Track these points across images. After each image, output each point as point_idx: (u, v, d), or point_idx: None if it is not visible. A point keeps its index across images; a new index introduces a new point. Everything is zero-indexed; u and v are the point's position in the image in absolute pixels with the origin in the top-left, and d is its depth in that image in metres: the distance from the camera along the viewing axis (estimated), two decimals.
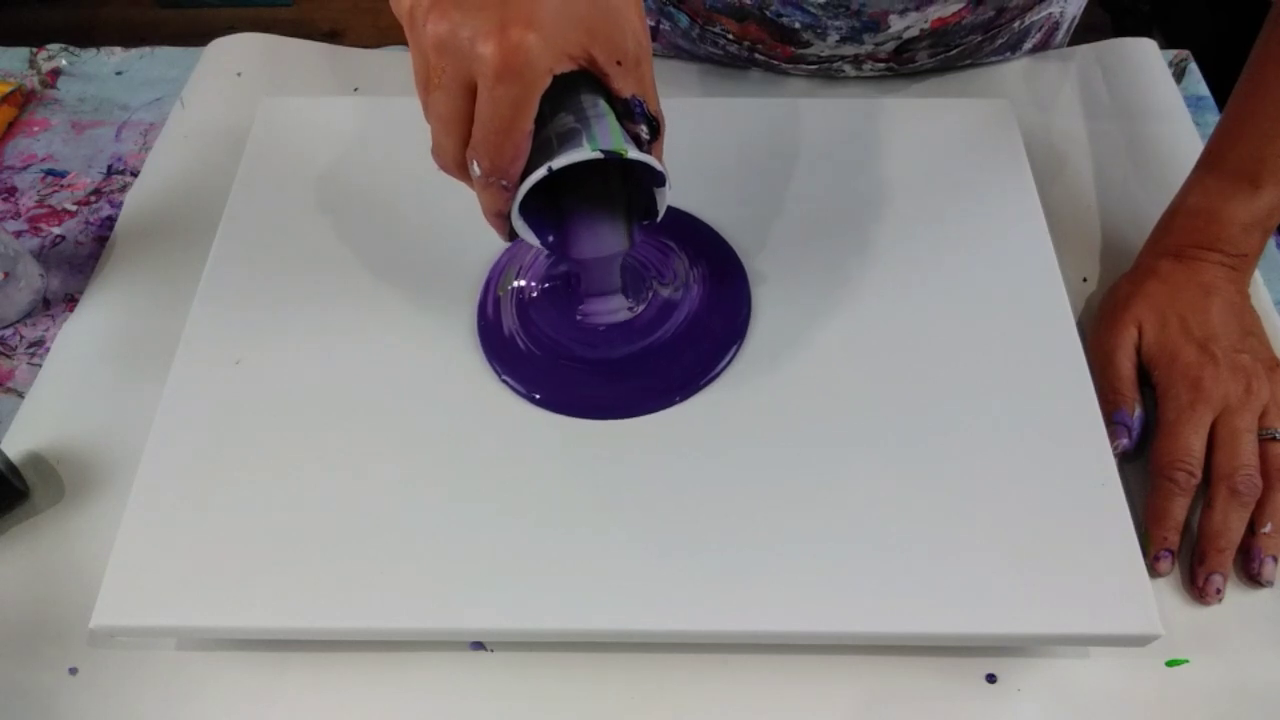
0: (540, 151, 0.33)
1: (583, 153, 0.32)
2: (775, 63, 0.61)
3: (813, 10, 0.55)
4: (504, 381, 0.43)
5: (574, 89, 0.33)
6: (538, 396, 0.42)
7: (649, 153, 0.34)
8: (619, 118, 0.34)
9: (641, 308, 0.45)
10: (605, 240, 0.39)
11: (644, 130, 0.34)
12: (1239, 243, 0.46)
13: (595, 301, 0.44)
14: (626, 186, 0.39)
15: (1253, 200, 0.46)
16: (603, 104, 0.33)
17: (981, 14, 0.57)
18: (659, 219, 0.37)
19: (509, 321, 0.45)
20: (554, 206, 0.39)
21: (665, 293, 0.45)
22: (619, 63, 0.32)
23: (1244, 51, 0.49)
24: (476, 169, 0.33)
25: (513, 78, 0.30)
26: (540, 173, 0.33)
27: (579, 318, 0.44)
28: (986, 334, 0.44)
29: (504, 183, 0.33)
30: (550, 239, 0.38)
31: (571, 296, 0.45)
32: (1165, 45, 0.64)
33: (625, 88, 0.33)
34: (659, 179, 0.35)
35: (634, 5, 0.32)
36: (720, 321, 0.44)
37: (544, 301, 0.45)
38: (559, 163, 0.32)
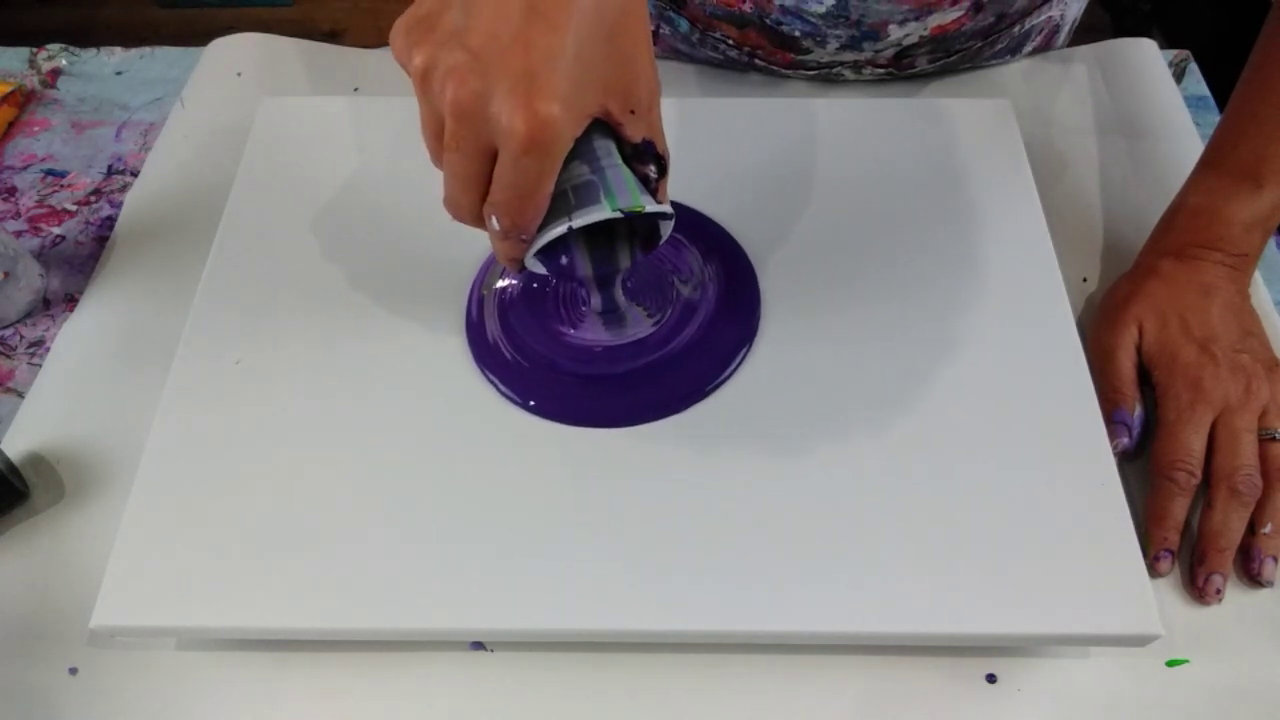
0: (556, 202, 0.33)
1: (602, 211, 0.33)
2: (775, 68, 0.61)
3: (812, 19, 0.55)
4: (495, 387, 0.43)
5: (585, 134, 0.33)
6: (532, 404, 0.42)
7: (656, 189, 0.35)
8: (629, 160, 0.34)
9: (666, 314, 0.44)
10: (607, 258, 0.39)
11: (653, 170, 0.35)
12: (1240, 242, 0.46)
13: (611, 331, 0.44)
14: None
15: (1254, 199, 0.46)
16: (615, 151, 0.34)
17: (981, 20, 0.57)
18: (661, 242, 0.38)
19: (492, 326, 0.44)
20: None
21: (686, 291, 0.45)
22: (632, 111, 0.33)
23: (1244, 51, 0.49)
24: (496, 225, 0.33)
25: (539, 151, 0.30)
26: (559, 230, 0.33)
27: (569, 337, 0.44)
28: (986, 334, 0.43)
29: (523, 237, 0.33)
30: (563, 261, 0.38)
31: (554, 304, 0.45)
32: (1165, 45, 0.64)
33: (637, 134, 0.34)
34: (665, 214, 0.35)
35: (646, 51, 0.32)
36: (732, 327, 0.44)
37: (523, 308, 0.45)
38: (579, 222, 0.33)
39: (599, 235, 0.38)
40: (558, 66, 0.29)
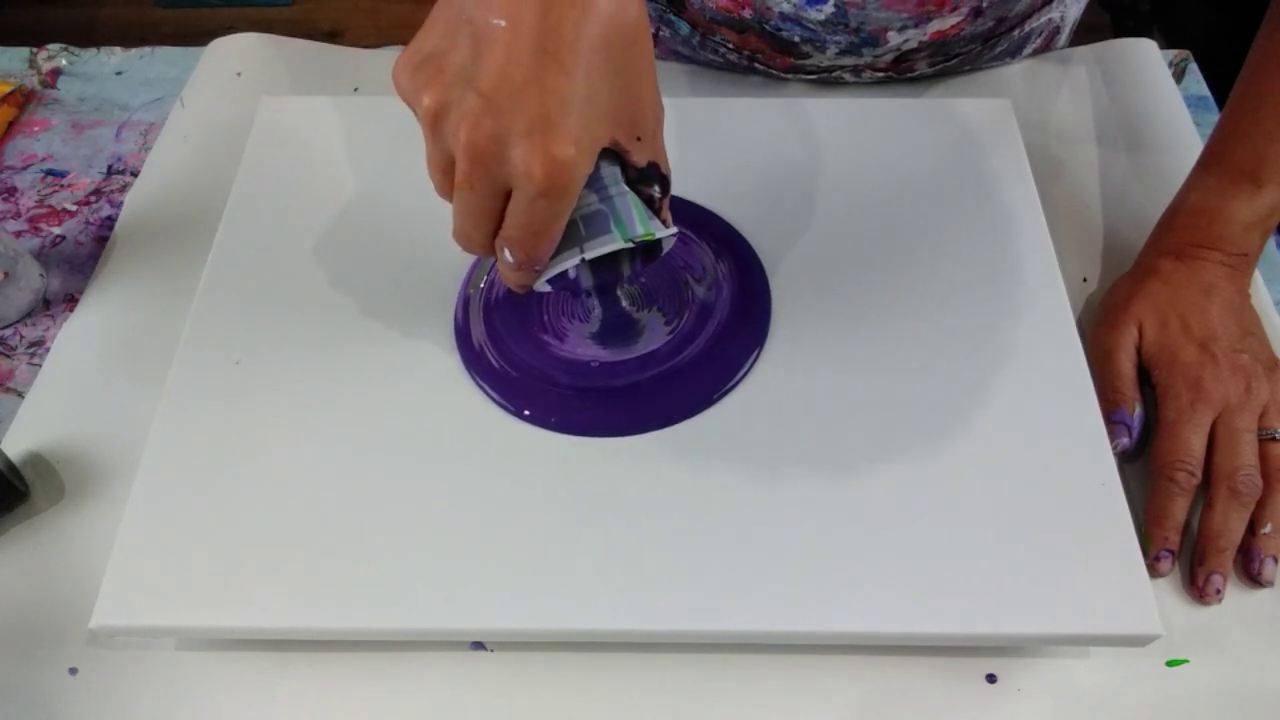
0: (566, 231, 0.33)
1: (614, 241, 0.34)
2: (774, 72, 0.61)
3: (812, 26, 0.55)
4: (487, 394, 0.42)
5: None
6: (527, 413, 0.42)
7: (659, 208, 0.36)
8: (633, 182, 0.35)
9: (684, 319, 0.44)
10: (609, 271, 0.39)
11: (656, 191, 0.35)
12: (1240, 242, 0.46)
13: (611, 348, 0.43)
14: None
15: (1254, 199, 0.46)
16: (621, 178, 0.34)
17: (981, 25, 0.57)
18: (662, 254, 0.38)
19: (477, 331, 0.44)
20: None
21: (700, 292, 0.45)
22: (639, 138, 0.33)
23: (1244, 51, 0.49)
24: (508, 257, 0.33)
25: (556, 194, 0.30)
26: (572, 261, 0.34)
27: (555, 348, 0.43)
28: (986, 334, 0.43)
29: (536, 268, 0.34)
30: (569, 277, 0.38)
31: (539, 310, 0.44)
32: (1165, 45, 0.64)
33: (643, 159, 0.34)
34: (672, 235, 0.36)
35: (651, 79, 0.32)
36: (744, 331, 0.44)
37: (508, 309, 0.44)
38: (591, 253, 0.34)
39: (604, 255, 0.38)
40: (571, 108, 0.29)
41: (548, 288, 0.36)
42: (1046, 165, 0.56)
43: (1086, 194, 0.55)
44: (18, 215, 0.56)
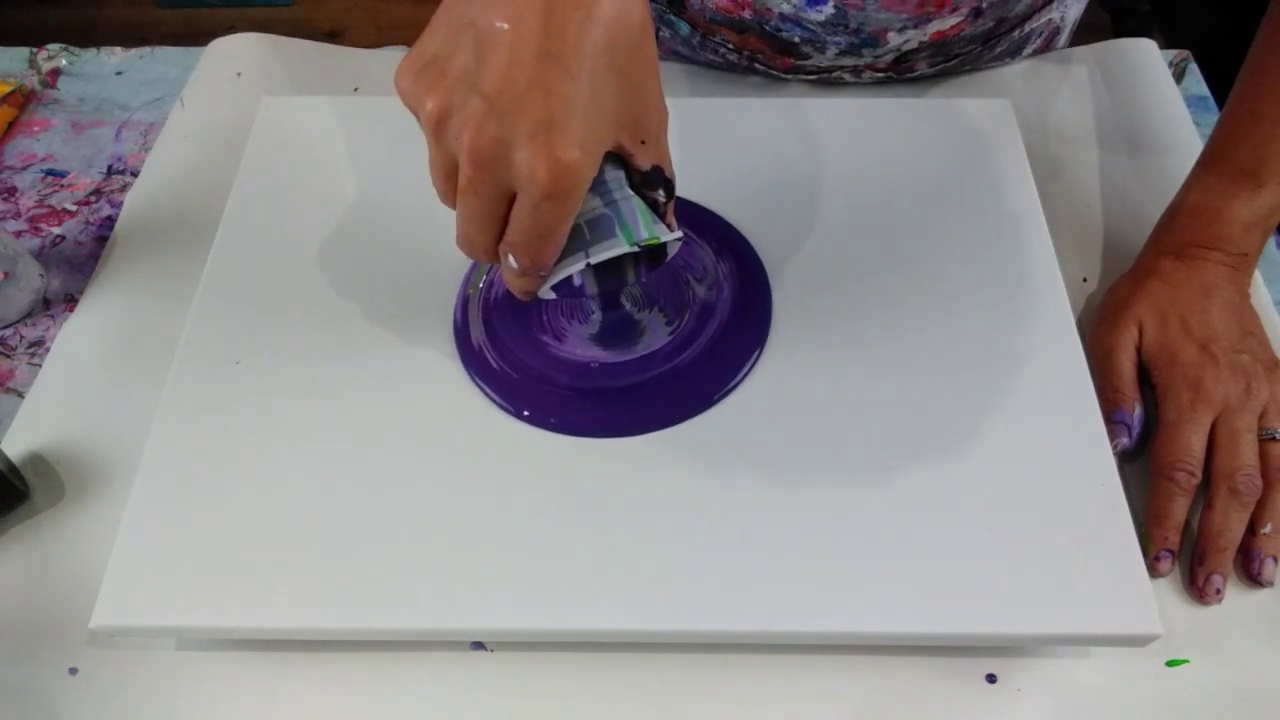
0: (571, 236, 0.33)
1: (619, 245, 0.34)
2: (774, 72, 0.61)
3: (812, 27, 0.55)
4: (487, 395, 0.42)
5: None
6: (526, 414, 0.42)
7: (664, 212, 0.36)
8: (638, 186, 0.35)
9: (684, 320, 0.44)
10: (614, 276, 0.39)
11: (661, 195, 0.35)
12: (1240, 242, 0.46)
13: (611, 349, 0.43)
14: None
15: (1254, 199, 0.46)
16: (625, 182, 0.34)
17: (981, 25, 0.57)
18: (667, 260, 0.38)
19: (477, 332, 0.44)
20: None
21: (701, 292, 0.45)
22: (643, 141, 0.33)
23: (1244, 51, 0.49)
24: (513, 262, 0.33)
25: (561, 197, 0.30)
26: (577, 266, 0.34)
27: (554, 348, 0.43)
28: (987, 334, 0.43)
29: (541, 274, 0.34)
30: (574, 284, 0.38)
31: (538, 312, 0.44)
32: (1165, 45, 0.64)
33: (647, 162, 0.34)
34: (676, 239, 0.36)
35: (655, 81, 0.32)
36: (744, 332, 0.43)
37: (508, 310, 0.44)
38: (596, 258, 0.34)
39: (608, 260, 0.38)
40: (575, 111, 0.29)
41: (553, 295, 0.36)
42: (1046, 165, 0.56)
43: (1086, 194, 0.55)
44: (18, 215, 0.56)
